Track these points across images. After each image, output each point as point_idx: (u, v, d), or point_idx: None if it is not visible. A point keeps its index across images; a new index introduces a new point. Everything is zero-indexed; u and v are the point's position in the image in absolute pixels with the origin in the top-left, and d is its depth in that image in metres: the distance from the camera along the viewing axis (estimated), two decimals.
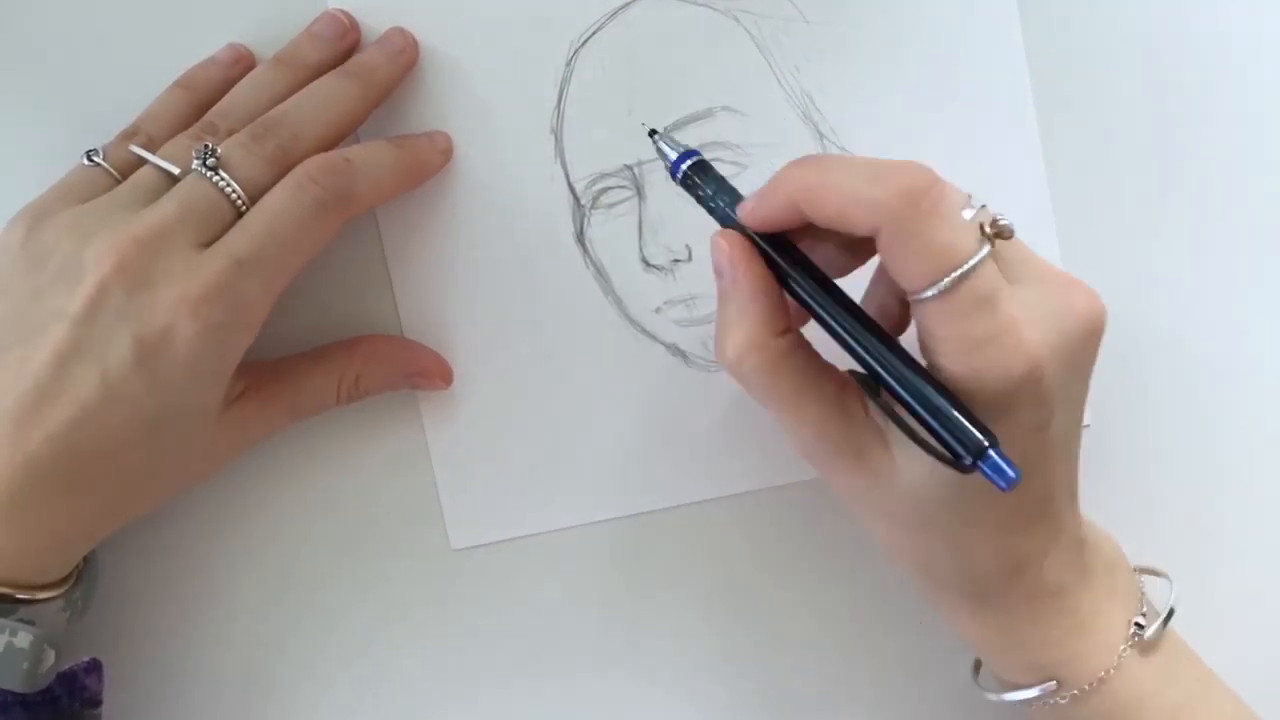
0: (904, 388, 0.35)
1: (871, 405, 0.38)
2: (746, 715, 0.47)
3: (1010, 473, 0.33)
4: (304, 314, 0.45)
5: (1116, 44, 0.45)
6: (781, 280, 0.38)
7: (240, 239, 0.39)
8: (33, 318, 0.38)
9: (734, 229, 0.38)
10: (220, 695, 0.47)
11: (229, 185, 0.40)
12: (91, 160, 0.42)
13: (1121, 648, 0.39)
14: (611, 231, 0.46)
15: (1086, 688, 0.39)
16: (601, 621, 0.47)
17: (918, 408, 0.34)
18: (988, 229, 0.35)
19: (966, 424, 0.34)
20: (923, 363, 0.36)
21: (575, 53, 0.45)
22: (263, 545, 0.47)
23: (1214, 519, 0.47)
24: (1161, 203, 0.46)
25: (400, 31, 0.45)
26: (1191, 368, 0.46)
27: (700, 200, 0.40)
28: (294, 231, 0.40)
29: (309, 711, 0.47)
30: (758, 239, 0.38)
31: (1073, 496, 0.40)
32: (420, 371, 0.45)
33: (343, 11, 0.45)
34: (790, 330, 0.38)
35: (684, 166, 0.39)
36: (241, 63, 0.45)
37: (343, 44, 0.44)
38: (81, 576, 0.42)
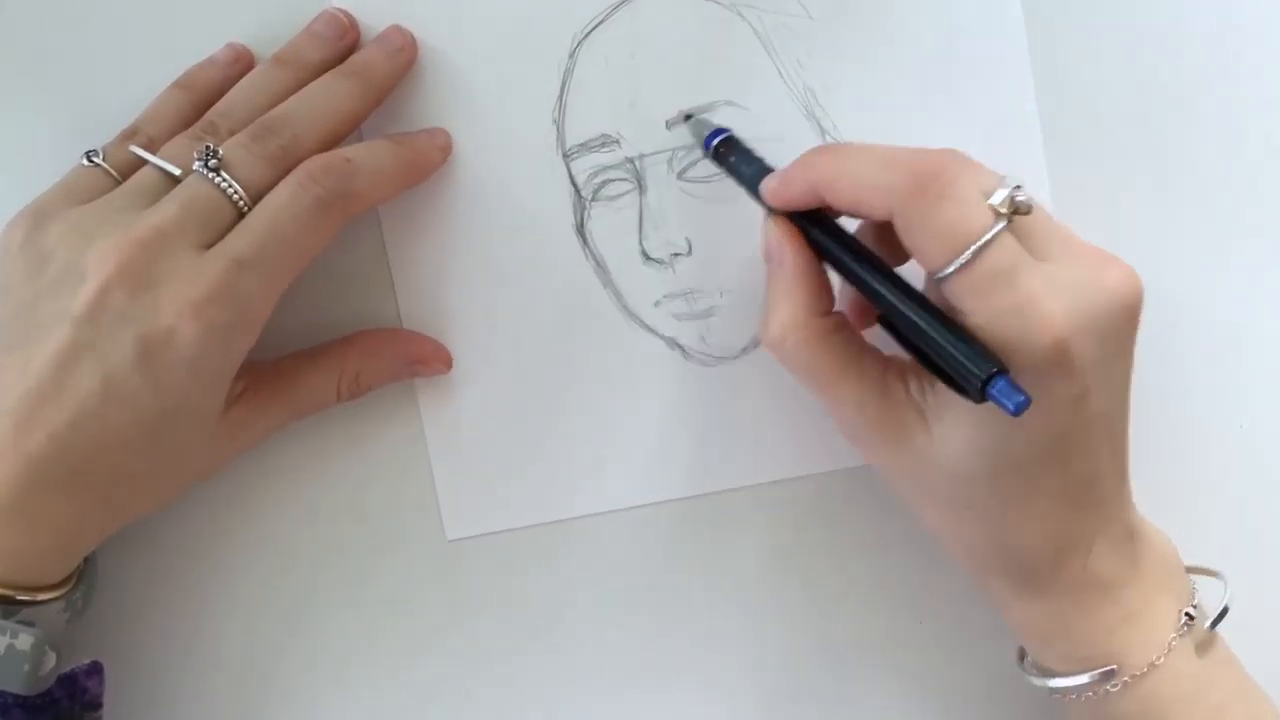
0: (919, 326, 0.36)
1: (913, 385, 0.39)
2: (743, 707, 0.47)
3: (1019, 395, 0.33)
4: (304, 308, 0.45)
5: (1119, 39, 0.46)
6: (824, 254, 0.39)
7: (242, 239, 0.39)
8: (34, 319, 0.38)
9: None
10: (220, 693, 0.46)
11: (231, 186, 0.40)
12: (91, 161, 0.42)
13: (1170, 640, 0.39)
14: (612, 224, 0.46)
15: (1129, 680, 0.39)
16: (596, 613, 0.47)
17: (934, 337, 0.35)
18: (1004, 208, 0.36)
19: (974, 353, 0.34)
20: None
21: (578, 44, 0.45)
22: (259, 540, 0.46)
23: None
24: (1163, 199, 0.46)
25: (399, 30, 0.44)
26: (1192, 363, 0.47)
27: (729, 171, 0.42)
28: (295, 231, 0.39)
29: (309, 706, 0.47)
30: (804, 223, 0.39)
31: (1122, 483, 0.40)
32: (419, 359, 0.45)
33: (342, 10, 0.44)
34: (832, 313, 0.40)
35: (714, 143, 0.42)
36: (241, 62, 0.44)
37: (342, 43, 0.44)
38: (81, 577, 0.41)
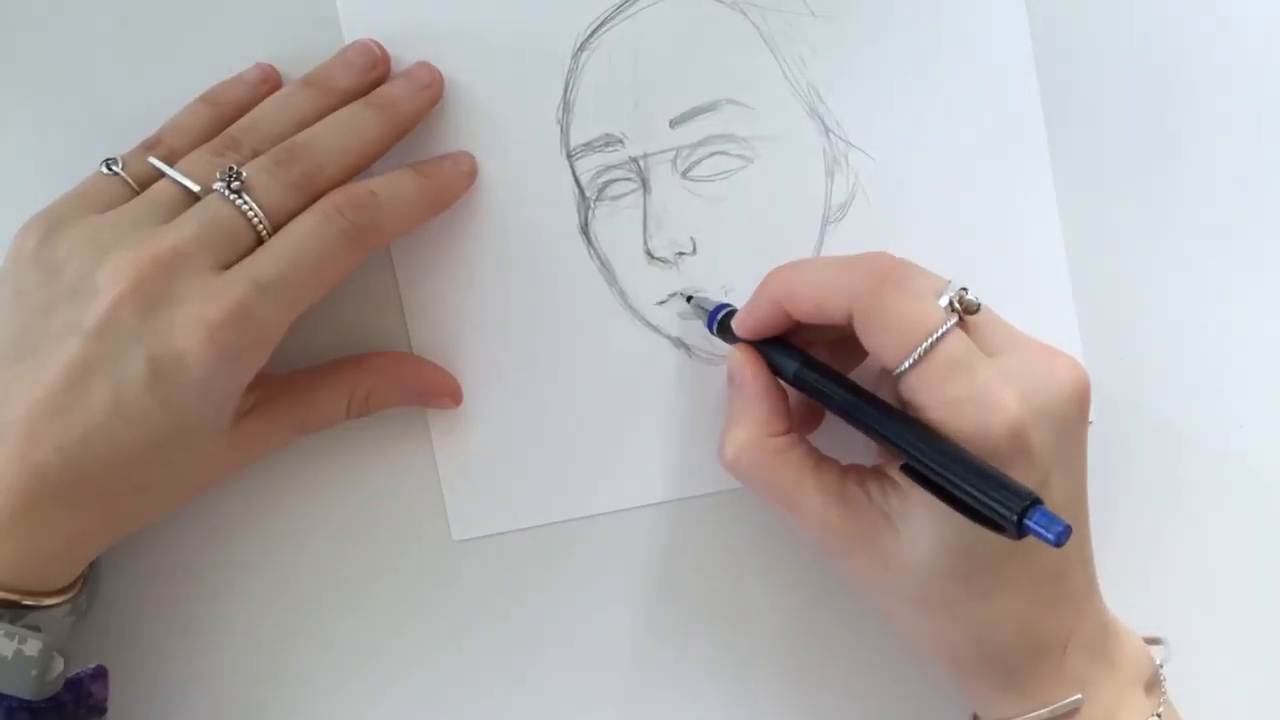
0: (937, 463, 0.36)
1: (874, 489, 0.40)
2: (747, 706, 0.47)
3: (1058, 526, 0.33)
4: (311, 309, 0.44)
5: (1122, 40, 0.46)
6: (800, 383, 0.40)
7: (264, 264, 0.39)
8: (46, 329, 0.38)
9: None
10: (225, 695, 0.46)
11: (252, 209, 0.39)
12: (110, 170, 0.41)
13: None
14: (616, 224, 0.46)
15: None
16: (603, 613, 0.47)
17: (957, 481, 0.35)
18: (956, 304, 0.38)
19: (1003, 489, 0.34)
20: None
21: (582, 45, 0.45)
22: (265, 542, 0.46)
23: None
24: (1166, 201, 0.46)
25: (427, 66, 0.44)
26: (1197, 363, 0.47)
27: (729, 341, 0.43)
28: (317, 261, 0.39)
29: (315, 707, 0.46)
30: (814, 378, 0.40)
31: (1090, 577, 0.41)
32: (430, 390, 0.45)
33: (375, 42, 0.44)
34: (789, 431, 0.41)
35: (719, 316, 0.43)
36: (268, 83, 0.44)
37: (372, 74, 0.44)
38: (86, 581, 0.41)
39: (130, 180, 0.41)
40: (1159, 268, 0.47)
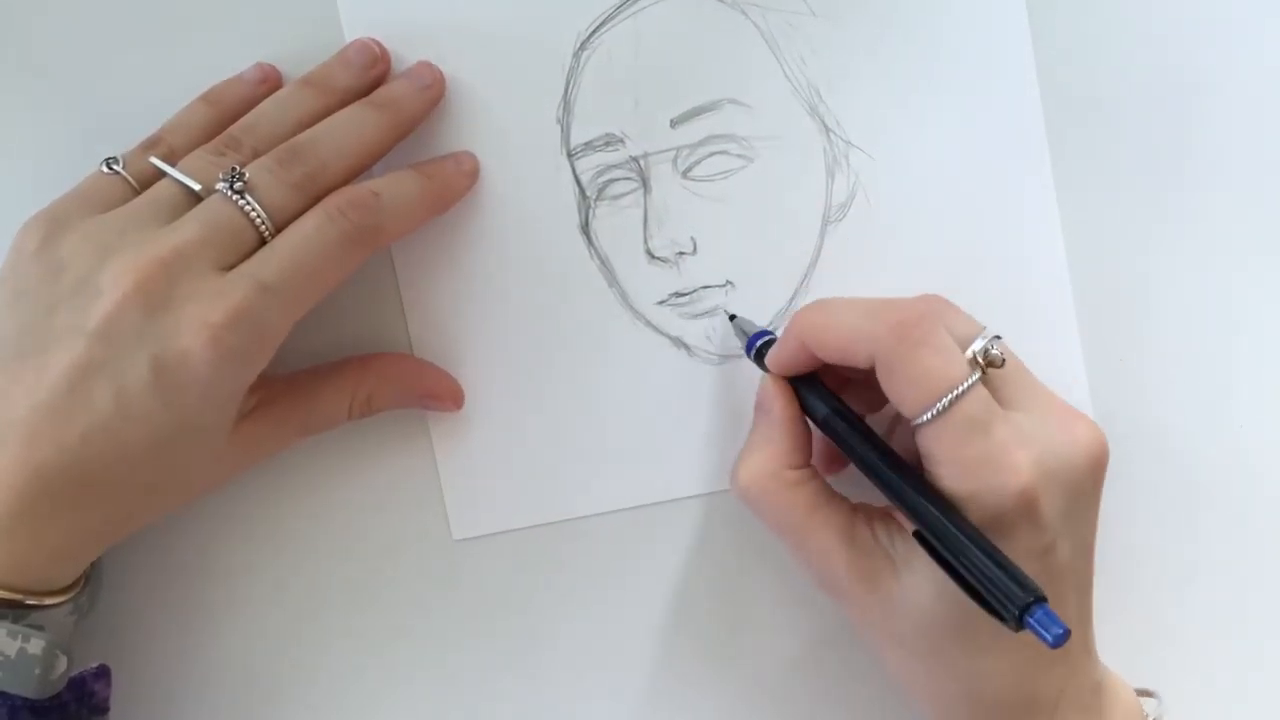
0: (948, 542, 0.36)
1: (880, 532, 0.40)
2: (748, 705, 0.47)
3: (1057, 629, 0.33)
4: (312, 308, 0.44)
5: (1123, 40, 0.46)
6: (827, 429, 0.40)
7: (267, 266, 0.39)
8: (48, 330, 0.38)
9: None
10: (226, 694, 0.46)
11: (255, 210, 0.39)
12: (111, 169, 0.41)
13: None
14: (617, 223, 0.46)
15: None
16: (602, 612, 0.47)
17: (967, 563, 0.35)
18: (980, 359, 0.37)
19: (1013, 580, 0.34)
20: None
21: (583, 43, 0.45)
22: (265, 540, 0.46)
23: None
24: (1166, 200, 0.46)
25: (429, 66, 0.44)
26: (1196, 363, 0.47)
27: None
28: (321, 263, 0.39)
29: (316, 706, 0.47)
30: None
31: (1087, 635, 0.40)
32: (432, 394, 0.45)
33: (374, 40, 0.44)
34: (804, 466, 0.41)
35: (757, 344, 0.43)
36: (268, 82, 0.44)
37: (372, 72, 0.44)
38: (88, 580, 0.41)
39: (131, 179, 0.41)
40: (1159, 268, 0.47)
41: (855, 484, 0.42)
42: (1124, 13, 0.46)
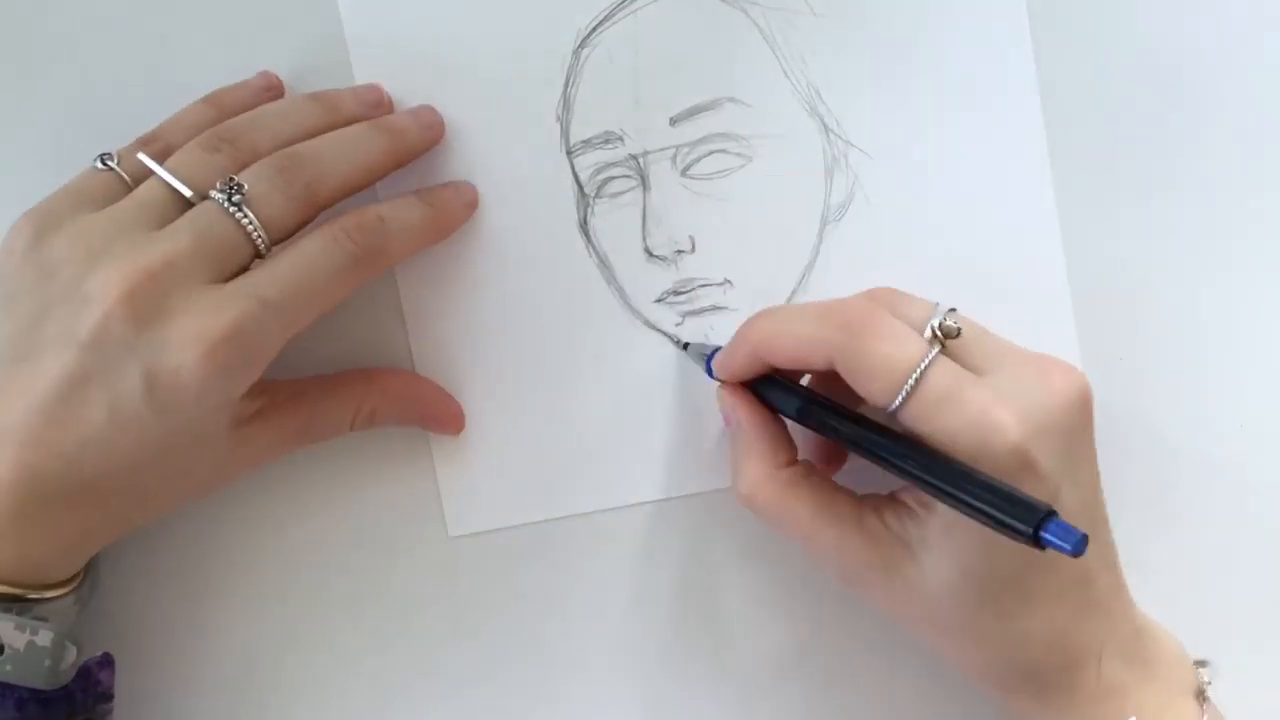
0: (948, 488, 0.36)
1: (891, 519, 0.40)
2: (745, 704, 0.47)
3: (1074, 535, 0.33)
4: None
5: (1123, 40, 0.45)
6: (805, 420, 0.40)
7: (269, 282, 0.39)
8: (40, 335, 0.38)
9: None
10: (226, 686, 0.47)
11: (252, 224, 0.39)
12: (105, 164, 0.41)
13: None
14: (615, 221, 0.46)
15: None
16: (597, 610, 0.47)
17: (970, 502, 0.35)
18: (937, 332, 0.38)
19: (1014, 504, 0.34)
20: None
21: (583, 41, 0.45)
22: (264, 535, 0.47)
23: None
24: (1166, 200, 0.46)
25: (432, 110, 0.45)
26: (1196, 363, 0.47)
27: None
28: (323, 284, 0.40)
29: (313, 699, 0.47)
30: (814, 412, 0.40)
31: (1118, 579, 0.40)
32: (434, 416, 0.46)
33: (385, 91, 0.45)
34: (796, 461, 0.42)
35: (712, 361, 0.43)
36: (272, 91, 0.44)
37: (376, 111, 0.44)
38: (88, 570, 0.41)
39: (125, 175, 0.41)
40: (1157, 267, 0.47)
41: (858, 477, 0.43)
42: (1124, 13, 0.45)
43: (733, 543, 0.47)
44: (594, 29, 0.45)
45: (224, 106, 0.43)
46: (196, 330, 0.37)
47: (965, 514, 0.35)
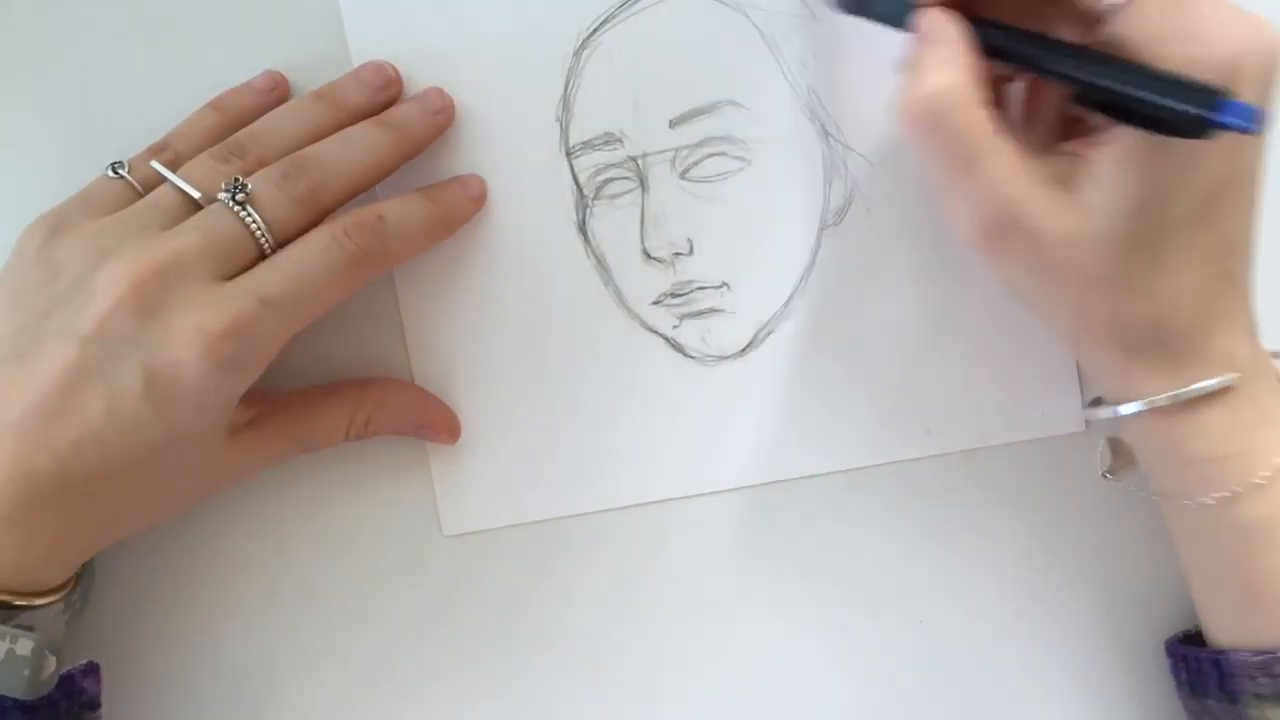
0: (1116, 79, 0.35)
1: (1057, 163, 0.38)
2: (741, 703, 0.47)
3: (1250, 109, 0.32)
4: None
5: None
6: (998, 51, 0.38)
7: (270, 279, 0.39)
8: (43, 332, 0.38)
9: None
10: (217, 691, 0.46)
11: (256, 222, 0.39)
12: (116, 173, 0.41)
13: None
14: (614, 223, 0.46)
15: (1259, 481, 0.38)
16: (592, 611, 0.47)
17: (1136, 91, 0.34)
18: None
19: (1188, 84, 0.33)
20: None
21: (584, 42, 0.45)
22: (256, 537, 0.46)
23: None
24: None
25: (440, 92, 0.44)
26: None
27: (871, 14, 0.41)
28: (324, 283, 0.39)
29: (306, 702, 0.47)
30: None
31: (1250, 267, 0.39)
32: (430, 425, 0.45)
33: (389, 64, 0.44)
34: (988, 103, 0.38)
35: None
36: (277, 91, 0.44)
37: (384, 94, 0.44)
38: (80, 579, 0.41)
39: (136, 184, 0.41)
40: None
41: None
42: None
43: (730, 545, 0.47)
44: (594, 30, 0.45)
45: (230, 111, 0.43)
46: (196, 325, 0.37)
47: (1140, 109, 0.34)
